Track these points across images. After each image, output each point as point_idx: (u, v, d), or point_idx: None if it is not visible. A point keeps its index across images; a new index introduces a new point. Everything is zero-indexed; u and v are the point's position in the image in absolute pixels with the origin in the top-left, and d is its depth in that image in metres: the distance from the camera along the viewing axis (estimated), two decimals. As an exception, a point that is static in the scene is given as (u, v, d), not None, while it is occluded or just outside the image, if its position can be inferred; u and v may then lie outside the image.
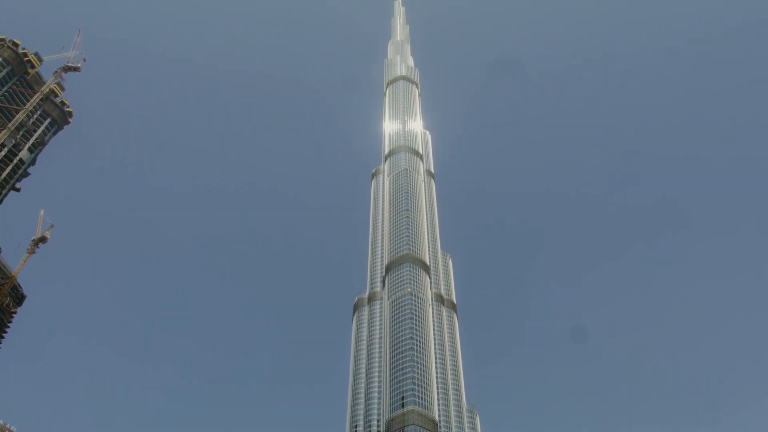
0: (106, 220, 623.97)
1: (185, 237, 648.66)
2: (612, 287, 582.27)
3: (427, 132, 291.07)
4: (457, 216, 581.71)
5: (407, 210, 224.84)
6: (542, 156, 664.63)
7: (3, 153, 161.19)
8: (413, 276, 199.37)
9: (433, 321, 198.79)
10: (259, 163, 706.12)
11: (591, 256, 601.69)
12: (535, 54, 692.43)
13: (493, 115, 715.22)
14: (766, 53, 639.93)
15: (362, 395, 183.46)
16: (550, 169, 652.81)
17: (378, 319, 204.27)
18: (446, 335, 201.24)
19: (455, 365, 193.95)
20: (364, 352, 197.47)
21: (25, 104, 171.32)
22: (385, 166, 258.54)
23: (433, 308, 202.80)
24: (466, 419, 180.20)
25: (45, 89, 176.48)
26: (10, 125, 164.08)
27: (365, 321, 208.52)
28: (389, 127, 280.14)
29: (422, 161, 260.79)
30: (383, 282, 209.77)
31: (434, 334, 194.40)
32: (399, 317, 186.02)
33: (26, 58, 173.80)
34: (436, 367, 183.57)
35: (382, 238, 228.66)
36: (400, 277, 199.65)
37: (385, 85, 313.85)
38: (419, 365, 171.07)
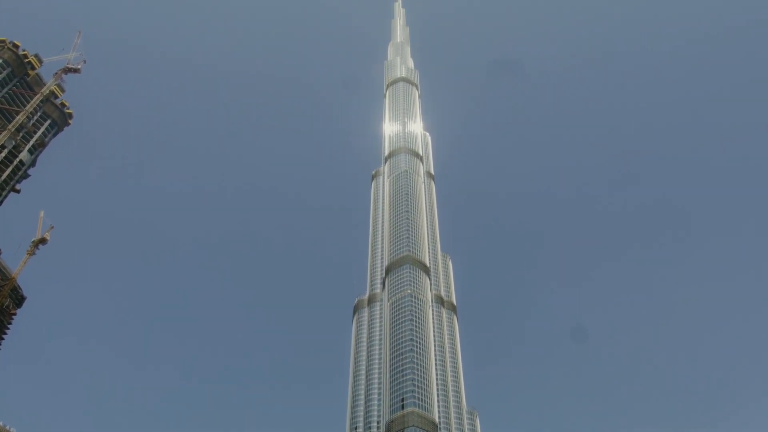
0: (106, 221, 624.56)
1: (185, 238, 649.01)
2: (612, 288, 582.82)
3: (427, 134, 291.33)
4: (457, 217, 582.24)
5: (407, 211, 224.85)
6: (542, 157, 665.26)
7: (3, 154, 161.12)
8: (413, 277, 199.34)
9: (433, 322, 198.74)
10: (259, 164, 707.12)
11: (591, 257, 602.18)
12: (535, 55, 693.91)
13: (493, 116, 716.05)
14: (766, 53, 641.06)
15: (362, 396, 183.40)
16: (549, 170, 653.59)
17: (378, 320, 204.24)
18: (446, 337, 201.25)
19: (455, 367, 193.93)
20: (364, 353, 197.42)
21: (25, 106, 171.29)
22: (385, 168, 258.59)
23: (433, 310, 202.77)
24: (466, 420, 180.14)
25: (45, 91, 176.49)
26: (10, 127, 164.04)
27: (365, 322, 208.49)
28: (389, 128, 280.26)
29: (422, 163, 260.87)
30: (383, 283, 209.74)
31: (434, 336, 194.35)
32: (399, 319, 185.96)
33: (26, 60, 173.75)
34: (436, 369, 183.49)
35: (382, 239, 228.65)
36: (400, 279, 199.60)
37: (385, 87, 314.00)
38: (419, 367, 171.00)
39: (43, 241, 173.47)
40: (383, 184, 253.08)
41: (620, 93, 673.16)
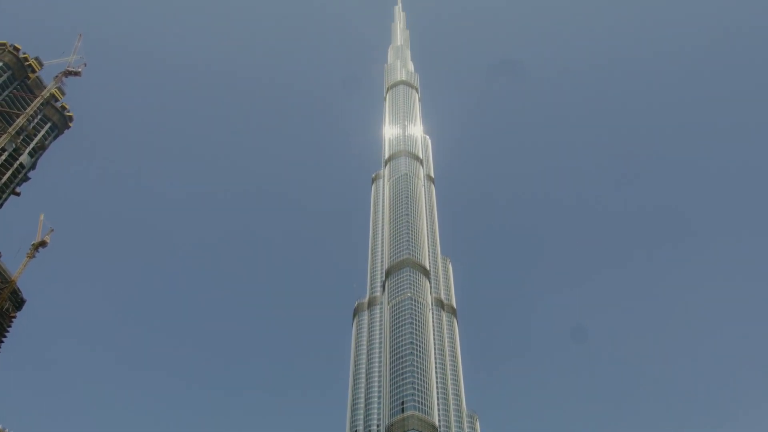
0: (106, 224, 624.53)
1: (185, 241, 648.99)
2: (613, 291, 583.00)
3: (427, 137, 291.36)
4: (457, 221, 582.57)
5: (407, 215, 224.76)
6: (542, 159, 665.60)
7: (3, 157, 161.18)
8: (413, 281, 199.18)
9: (433, 326, 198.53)
10: (259, 167, 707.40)
11: (591, 260, 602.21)
12: (535, 58, 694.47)
13: (493, 119, 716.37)
14: (767, 55, 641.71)
15: (362, 400, 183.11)
16: (549, 172, 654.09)
17: (378, 323, 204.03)
18: (446, 340, 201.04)
19: (455, 370, 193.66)
20: (364, 356, 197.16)
21: (25, 108, 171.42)
22: (386, 171, 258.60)
23: (433, 313, 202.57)
24: (466, 424, 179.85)
25: (45, 94, 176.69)
26: (10, 129, 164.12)
27: (365, 326, 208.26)
28: (389, 131, 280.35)
29: (422, 166, 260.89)
30: (383, 287, 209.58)
31: (434, 339, 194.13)
32: (399, 322, 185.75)
33: (27, 63, 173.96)
34: (436, 372, 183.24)
35: (382, 242, 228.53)
36: (400, 282, 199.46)
37: (385, 90, 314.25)
38: (419, 370, 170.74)
39: (43, 244, 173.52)
40: (383, 187, 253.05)
41: (621, 95, 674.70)
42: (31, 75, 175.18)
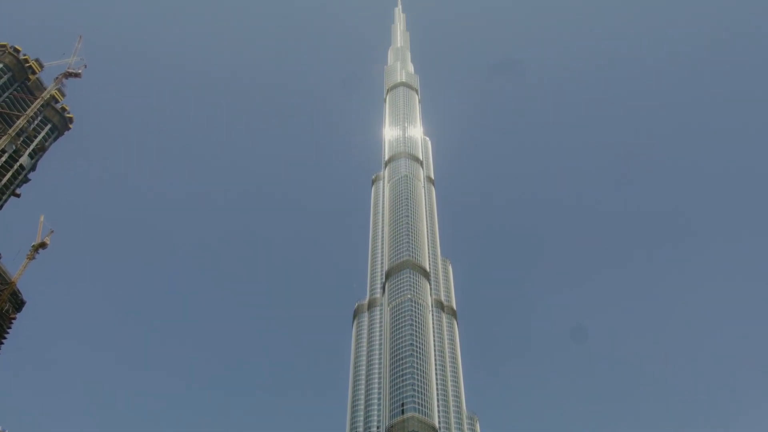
0: (106, 225, 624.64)
1: (185, 241, 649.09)
2: (613, 292, 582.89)
3: (427, 138, 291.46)
4: (457, 222, 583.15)
5: (407, 216, 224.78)
6: (542, 161, 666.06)
7: (3, 159, 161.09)
8: (413, 282, 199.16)
9: (433, 327, 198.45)
10: (259, 168, 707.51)
11: (592, 261, 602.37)
12: (535, 60, 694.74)
13: (493, 121, 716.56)
14: (767, 58, 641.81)
15: (362, 402, 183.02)
16: (549, 173, 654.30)
17: (378, 325, 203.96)
18: (446, 341, 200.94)
19: (455, 372, 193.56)
20: (364, 358, 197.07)
21: (25, 110, 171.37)
22: (385, 173, 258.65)
23: (433, 314, 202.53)
24: (466, 425, 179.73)
25: (46, 95, 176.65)
26: (10, 131, 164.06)
27: (365, 327, 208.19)
28: (389, 133, 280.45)
29: (422, 167, 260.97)
30: (383, 288, 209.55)
31: (434, 341, 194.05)
32: (399, 323, 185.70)
33: (27, 64, 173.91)
34: (436, 374, 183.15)
35: (382, 244, 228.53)
36: (400, 284, 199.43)
37: (385, 92, 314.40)
38: (419, 372, 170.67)
39: (43, 245, 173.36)
40: (383, 189, 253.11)
41: (621, 95, 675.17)
42: (31, 76, 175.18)
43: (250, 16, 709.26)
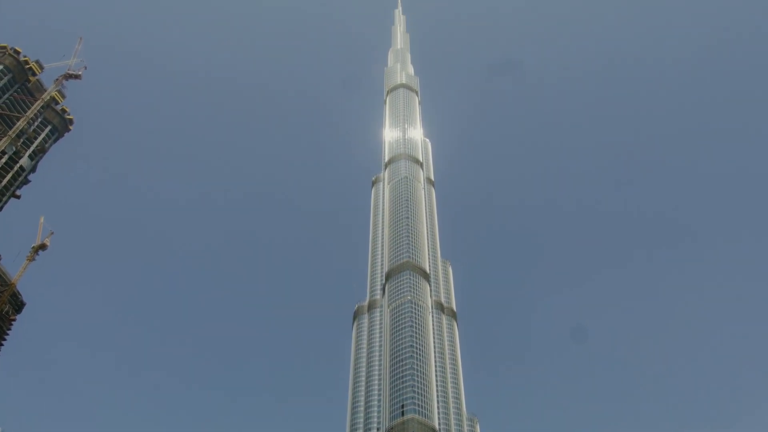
0: (106, 226, 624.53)
1: (185, 243, 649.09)
2: (613, 293, 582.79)
3: (427, 140, 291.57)
4: (457, 224, 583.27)
5: (407, 218, 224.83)
6: (542, 162, 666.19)
7: (3, 160, 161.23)
8: (413, 284, 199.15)
9: (433, 329, 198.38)
10: (259, 169, 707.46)
11: (592, 262, 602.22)
12: (535, 60, 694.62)
13: (493, 122, 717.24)
14: (767, 59, 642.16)
15: (362, 403, 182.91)
16: (549, 175, 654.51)
17: (378, 327, 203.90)
18: (446, 343, 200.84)
19: (455, 373, 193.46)
20: (364, 360, 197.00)
21: (26, 112, 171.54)
22: (385, 174, 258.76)
23: (433, 316, 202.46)
24: (466, 427, 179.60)
25: (46, 97, 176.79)
26: (10, 133, 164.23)
27: (365, 329, 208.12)
28: (389, 135, 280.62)
29: (422, 169, 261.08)
30: (383, 290, 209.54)
31: (434, 342, 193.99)
32: (399, 325, 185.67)
33: (27, 66, 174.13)
34: (436, 375, 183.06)
35: (382, 245, 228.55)
36: (400, 285, 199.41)
37: (385, 93, 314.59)
38: (419, 373, 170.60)
39: (43, 246, 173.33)
40: (383, 190, 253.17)
41: (621, 96, 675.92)
42: (31, 78, 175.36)
43: (250, 16, 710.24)
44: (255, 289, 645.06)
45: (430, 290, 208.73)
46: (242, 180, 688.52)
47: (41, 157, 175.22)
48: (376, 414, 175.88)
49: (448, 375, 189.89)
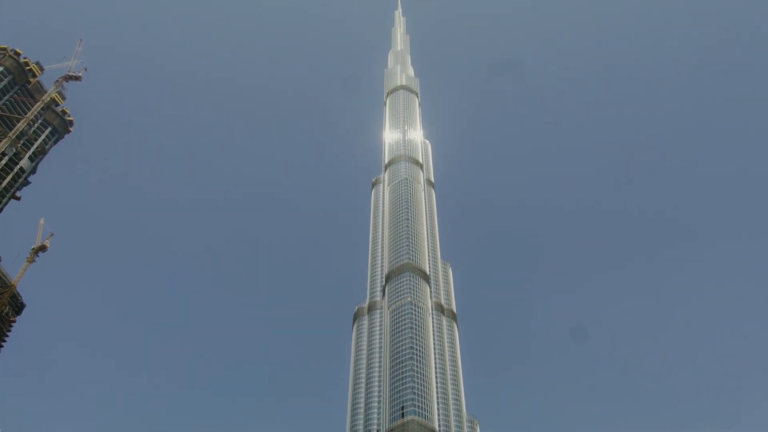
0: (106, 228, 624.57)
1: (185, 244, 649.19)
2: (613, 294, 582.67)
3: (427, 141, 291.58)
4: (457, 225, 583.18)
5: (407, 219, 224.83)
6: (542, 163, 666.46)
7: (4, 162, 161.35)
8: (413, 285, 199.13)
9: (433, 330, 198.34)
10: (259, 170, 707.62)
11: (592, 263, 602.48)
12: (535, 60, 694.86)
13: (493, 123, 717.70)
14: (767, 59, 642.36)
15: (362, 405, 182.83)
16: (549, 176, 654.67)
17: (378, 328, 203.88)
18: (446, 344, 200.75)
19: (455, 375, 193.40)
20: (364, 361, 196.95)
21: (26, 113, 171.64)
22: (385, 176, 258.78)
23: (433, 317, 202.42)
24: (466, 428, 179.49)
25: (46, 98, 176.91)
26: (11, 134, 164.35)
27: (365, 330, 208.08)
28: (389, 136, 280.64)
29: (422, 170, 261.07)
30: (383, 291, 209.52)
31: (434, 344, 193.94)
32: (399, 327, 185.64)
33: (27, 68, 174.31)
34: (436, 377, 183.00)
35: (382, 247, 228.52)
36: (400, 287, 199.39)
37: (385, 95, 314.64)
38: (419, 375, 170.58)
39: (43, 248, 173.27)
40: (383, 192, 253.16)
41: (621, 97, 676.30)
42: (31, 79, 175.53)
43: (250, 16, 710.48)
44: (255, 290, 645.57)
45: (430, 292, 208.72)
46: (242, 180, 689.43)
47: (41, 159, 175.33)
48: (376, 415, 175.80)
49: (448, 376, 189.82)
